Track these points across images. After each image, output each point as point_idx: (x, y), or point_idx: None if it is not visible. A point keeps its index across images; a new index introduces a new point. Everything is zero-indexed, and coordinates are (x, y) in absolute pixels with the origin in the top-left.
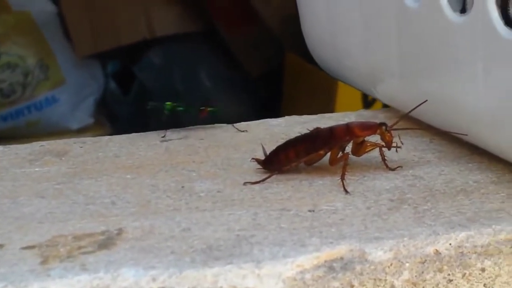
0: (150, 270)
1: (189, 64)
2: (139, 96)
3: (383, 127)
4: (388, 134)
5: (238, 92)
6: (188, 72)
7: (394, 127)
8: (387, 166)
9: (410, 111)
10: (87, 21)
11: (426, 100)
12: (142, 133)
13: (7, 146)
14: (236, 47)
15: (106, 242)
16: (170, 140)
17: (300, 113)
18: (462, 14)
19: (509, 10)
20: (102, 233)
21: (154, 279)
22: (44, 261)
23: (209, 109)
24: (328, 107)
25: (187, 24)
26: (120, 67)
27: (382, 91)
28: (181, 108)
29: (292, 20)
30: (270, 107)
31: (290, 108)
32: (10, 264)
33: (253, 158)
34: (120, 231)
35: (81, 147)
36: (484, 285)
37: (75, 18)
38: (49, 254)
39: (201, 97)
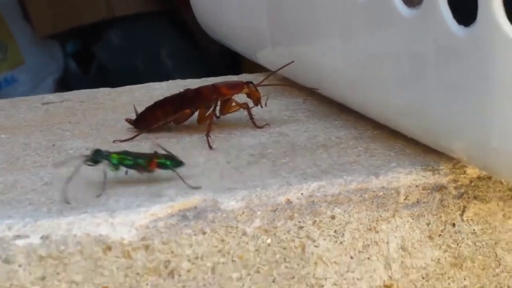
0: (6, 219)
1: (149, 43)
2: (99, 75)
3: (250, 85)
4: (255, 92)
5: (199, 71)
6: (148, 52)
7: (262, 84)
8: (255, 124)
9: (276, 70)
10: (46, 1)
11: (293, 61)
12: (25, 97)
13: None
14: (196, 26)
15: None
16: (52, 103)
17: None
18: None
19: None
20: None
21: (9, 228)
22: None
23: (158, 161)
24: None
25: (146, 3)
26: (79, 47)
27: (261, 57)
28: (129, 162)
29: None
30: None
31: None
32: None
33: (126, 119)
34: None
35: None
36: (335, 231)
37: None
38: None
39: (162, 76)
